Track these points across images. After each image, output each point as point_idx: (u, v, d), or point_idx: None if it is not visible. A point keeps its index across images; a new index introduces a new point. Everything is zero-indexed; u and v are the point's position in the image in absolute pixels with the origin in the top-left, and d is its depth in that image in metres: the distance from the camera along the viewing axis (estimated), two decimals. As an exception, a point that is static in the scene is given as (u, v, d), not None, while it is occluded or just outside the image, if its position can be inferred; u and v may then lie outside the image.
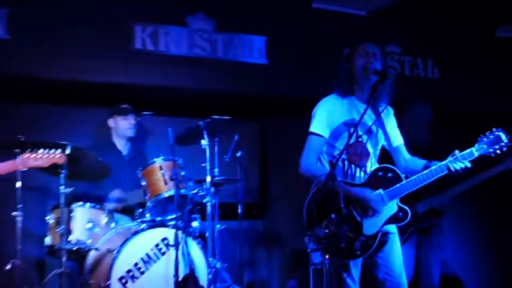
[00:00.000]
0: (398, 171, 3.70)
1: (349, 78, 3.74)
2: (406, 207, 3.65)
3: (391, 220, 3.64)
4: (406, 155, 3.90)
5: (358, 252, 3.59)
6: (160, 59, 5.55)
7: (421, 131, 4.84)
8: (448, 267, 5.67)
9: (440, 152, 3.70)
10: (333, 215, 3.29)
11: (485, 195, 5.00)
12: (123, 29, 5.41)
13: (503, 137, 3.61)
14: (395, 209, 3.65)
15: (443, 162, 3.61)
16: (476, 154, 3.60)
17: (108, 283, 4.24)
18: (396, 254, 3.74)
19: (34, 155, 3.45)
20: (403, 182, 3.63)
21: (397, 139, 3.91)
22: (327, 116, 3.71)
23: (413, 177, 3.64)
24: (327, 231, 3.35)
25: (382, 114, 3.77)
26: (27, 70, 5.11)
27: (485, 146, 3.60)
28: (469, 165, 3.60)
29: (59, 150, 3.67)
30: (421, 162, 3.75)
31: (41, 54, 5.13)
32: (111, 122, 5.37)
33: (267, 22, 5.91)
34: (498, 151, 3.61)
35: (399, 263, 3.73)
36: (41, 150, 3.54)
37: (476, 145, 3.62)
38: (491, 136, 3.62)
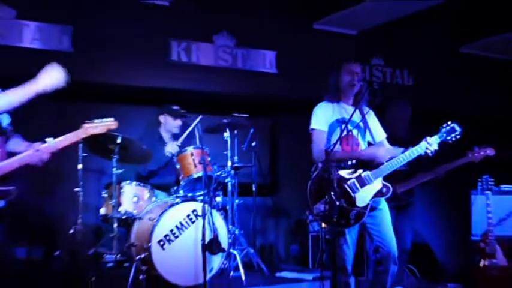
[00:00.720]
0: None
1: (336, 89, 3.78)
2: (388, 184, 3.64)
3: (377, 194, 3.62)
4: (388, 146, 3.87)
5: (353, 221, 3.57)
6: (192, 69, 5.54)
7: (401, 125, 4.74)
8: (419, 236, 5.60)
9: (415, 143, 3.66)
10: (329, 193, 3.28)
11: (448, 181, 4.96)
12: (163, 44, 5.41)
13: (457, 127, 3.66)
14: (380, 185, 3.63)
15: (416, 147, 3.62)
16: (439, 140, 3.63)
17: (149, 245, 4.22)
18: (387, 227, 3.70)
19: (91, 124, 3.50)
20: (385, 164, 3.62)
21: (380, 135, 3.90)
22: (323, 115, 3.73)
23: (393, 159, 3.63)
24: (324, 206, 3.35)
25: (366, 116, 3.77)
26: (88, 77, 5.05)
27: (444, 134, 3.64)
28: (437, 148, 3.62)
29: (111, 118, 3.65)
30: (400, 150, 3.72)
31: (99, 64, 5.11)
32: (161, 118, 5.15)
33: (277, 40, 5.92)
34: (454, 138, 3.64)
35: (390, 234, 3.70)
36: (96, 120, 3.56)
37: (438, 133, 3.65)
38: (448, 127, 3.66)
